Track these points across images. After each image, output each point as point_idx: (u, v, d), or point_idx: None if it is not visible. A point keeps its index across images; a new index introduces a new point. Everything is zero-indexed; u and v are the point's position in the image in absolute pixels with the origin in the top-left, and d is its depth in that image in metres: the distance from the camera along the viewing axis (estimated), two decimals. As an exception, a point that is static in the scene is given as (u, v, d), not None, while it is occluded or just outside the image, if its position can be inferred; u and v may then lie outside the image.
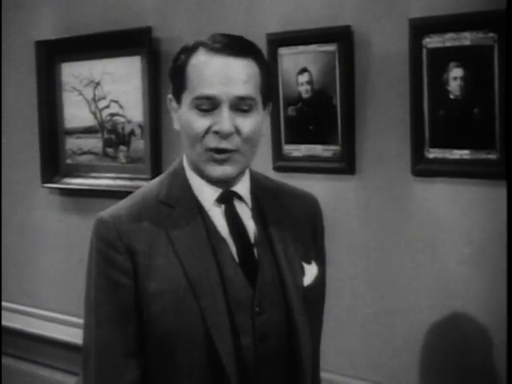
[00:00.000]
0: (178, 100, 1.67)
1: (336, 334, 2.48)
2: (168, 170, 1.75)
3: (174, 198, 1.68)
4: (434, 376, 2.41)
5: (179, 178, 1.70)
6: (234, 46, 1.61)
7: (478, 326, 2.28)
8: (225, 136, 1.60)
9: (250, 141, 1.64)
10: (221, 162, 1.63)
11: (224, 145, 1.61)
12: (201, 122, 1.61)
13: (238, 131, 1.61)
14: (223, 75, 1.59)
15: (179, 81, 1.65)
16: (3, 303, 3.54)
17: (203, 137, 1.61)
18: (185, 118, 1.64)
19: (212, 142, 1.61)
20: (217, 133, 1.60)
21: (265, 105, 1.68)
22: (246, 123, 1.62)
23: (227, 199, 1.69)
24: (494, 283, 2.22)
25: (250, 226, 1.70)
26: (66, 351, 3.25)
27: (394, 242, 2.43)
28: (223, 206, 1.69)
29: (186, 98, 1.63)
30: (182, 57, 1.65)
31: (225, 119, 1.59)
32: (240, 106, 1.61)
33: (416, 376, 2.41)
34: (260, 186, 1.76)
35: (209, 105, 1.60)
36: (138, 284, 1.62)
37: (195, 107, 1.61)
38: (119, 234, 1.63)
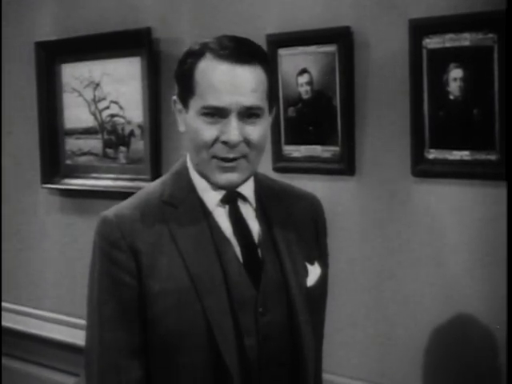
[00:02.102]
0: (185, 104, 1.66)
1: (337, 334, 2.48)
2: (171, 170, 1.76)
3: (178, 198, 1.68)
4: (434, 377, 2.40)
5: (183, 178, 1.71)
6: (242, 52, 1.61)
7: (478, 327, 2.28)
8: (233, 146, 1.60)
9: (258, 148, 1.64)
10: (227, 170, 1.63)
11: (232, 155, 1.61)
12: (209, 131, 1.61)
13: (246, 140, 1.61)
14: (231, 84, 1.59)
15: (186, 86, 1.64)
16: (3, 304, 3.54)
17: (211, 146, 1.62)
18: (192, 124, 1.64)
19: (220, 151, 1.61)
20: (225, 143, 1.60)
21: (270, 110, 1.69)
22: (254, 131, 1.62)
23: (231, 200, 1.69)
24: (494, 284, 2.22)
25: (254, 227, 1.70)
26: (66, 352, 3.24)
27: (393, 242, 2.43)
28: (227, 206, 1.69)
29: (194, 105, 1.63)
30: (189, 61, 1.64)
31: (233, 129, 1.59)
32: (248, 114, 1.61)
33: (417, 377, 2.41)
34: (264, 187, 1.76)
35: (217, 114, 1.60)
36: (141, 283, 1.62)
37: (203, 115, 1.61)
38: (123, 234, 1.63)
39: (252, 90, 1.60)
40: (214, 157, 1.62)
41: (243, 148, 1.62)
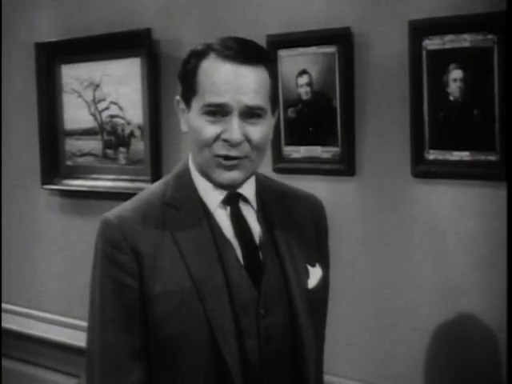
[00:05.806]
0: (188, 103, 1.66)
1: (338, 336, 2.48)
2: (173, 171, 1.76)
3: (179, 200, 1.68)
4: (436, 377, 2.41)
5: (184, 179, 1.71)
6: (246, 52, 1.61)
7: (478, 327, 2.28)
8: (234, 144, 1.60)
9: (259, 148, 1.64)
10: (229, 168, 1.63)
11: (233, 153, 1.61)
12: (210, 129, 1.61)
13: (247, 139, 1.62)
14: (234, 83, 1.59)
15: (189, 85, 1.65)
16: (3, 305, 3.54)
17: (212, 144, 1.62)
18: (194, 123, 1.64)
19: (221, 149, 1.61)
20: (226, 141, 1.61)
21: (273, 111, 1.69)
22: (256, 131, 1.62)
23: (233, 201, 1.69)
24: (494, 284, 2.23)
25: (256, 228, 1.71)
26: (66, 353, 3.24)
27: (394, 243, 2.43)
28: (229, 207, 1.69)
29: (196, 104, 1.63)
30: (193, 61, 1.65)
31: (235, 128, 1.60)
32: (250, 114, 1.61)
33: (418, 377, 2.42)
34: (265, 188, 1.76)
35: (219, 112, 1.60)
36: (142, 285, 1.62)
37: (205, 113, 1.61)
38: (124, 236, 1.63)
39: (255, 90, 1.60)
40: (216, 155, 1.62)
41: (245, 148, 1.62)
